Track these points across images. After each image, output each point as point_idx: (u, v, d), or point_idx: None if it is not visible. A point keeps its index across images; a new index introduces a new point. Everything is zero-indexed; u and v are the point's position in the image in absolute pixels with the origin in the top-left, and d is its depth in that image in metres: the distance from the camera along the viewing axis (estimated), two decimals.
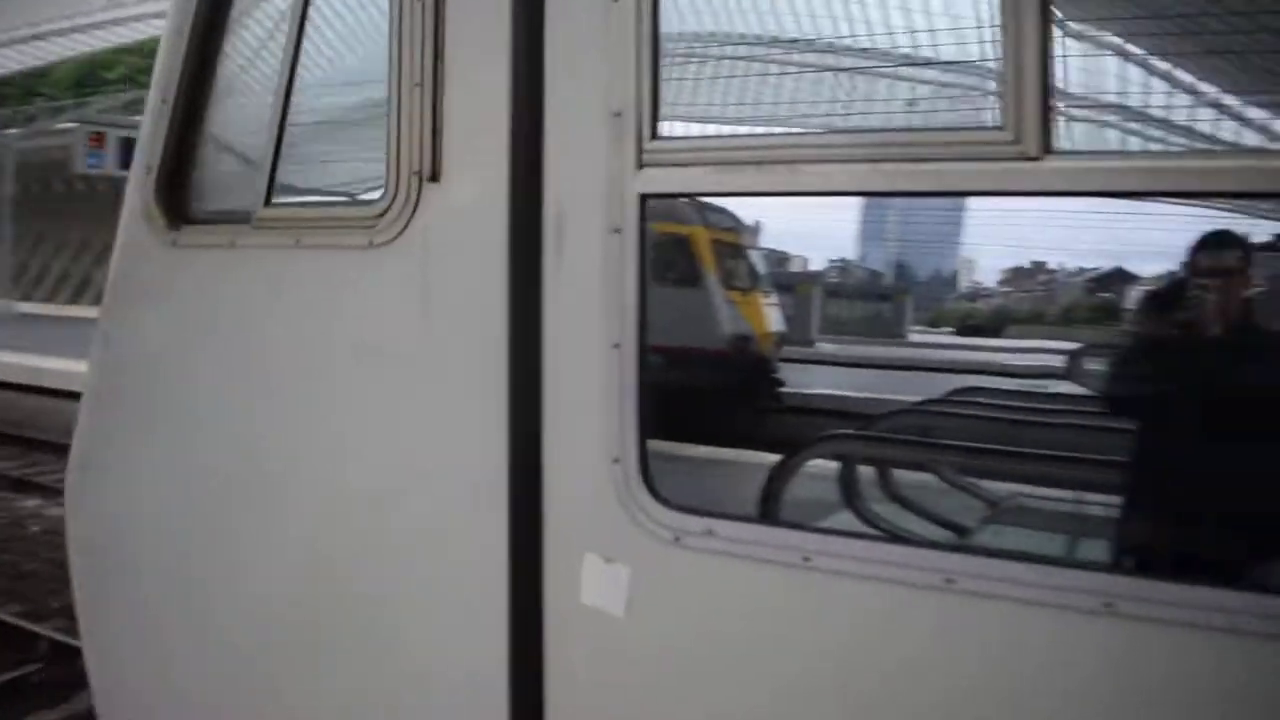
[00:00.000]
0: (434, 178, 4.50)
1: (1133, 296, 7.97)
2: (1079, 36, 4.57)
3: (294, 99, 4.71)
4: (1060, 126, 3.68)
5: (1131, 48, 4.65)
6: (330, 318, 4.68)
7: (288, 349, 4.79)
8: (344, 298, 4.64)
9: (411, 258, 4.53)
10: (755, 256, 14.63)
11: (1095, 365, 6.73)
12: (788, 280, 14.77)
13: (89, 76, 63.18)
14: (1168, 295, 4.93)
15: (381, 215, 4.57)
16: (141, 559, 5.12)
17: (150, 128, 5.20)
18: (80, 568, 5.64)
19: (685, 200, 10.96)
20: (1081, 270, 12.89)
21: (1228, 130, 4.67)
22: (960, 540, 5.94)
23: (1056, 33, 3.72)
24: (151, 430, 5.31)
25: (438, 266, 4.45)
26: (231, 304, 5.01)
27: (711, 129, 4.27)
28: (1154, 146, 4.65)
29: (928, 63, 4.68)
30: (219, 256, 5.02)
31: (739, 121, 4.82)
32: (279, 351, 4.82)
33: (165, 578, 5.03)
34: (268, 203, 4.84)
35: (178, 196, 5.17)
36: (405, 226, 4.54)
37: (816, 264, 15.55)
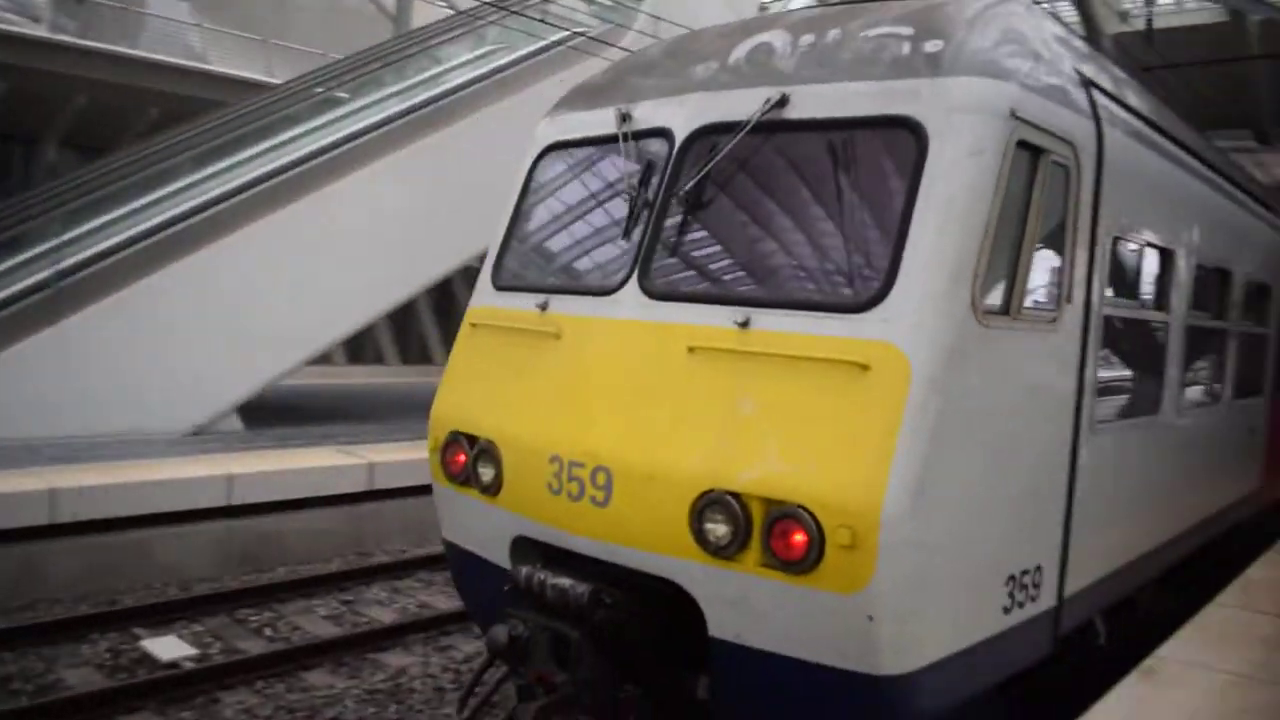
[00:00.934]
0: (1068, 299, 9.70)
1: None
2: None
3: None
4: None
5: None
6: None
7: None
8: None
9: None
10: None
11: None
12: None
13: None
14: None
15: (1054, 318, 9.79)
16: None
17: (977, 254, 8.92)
18: (918, 563, 8.41)
19: None
20: None
21: None
22: None
23: None
24: (985, 466, 8.93)
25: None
26: (1028, 368, 9.57)
27: None
28: None
29: None
30: (1019, 336, 9.31)
31: None
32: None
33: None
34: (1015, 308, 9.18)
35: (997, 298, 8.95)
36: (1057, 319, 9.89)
37: None
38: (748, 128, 9.66)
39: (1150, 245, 12.21)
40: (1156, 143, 12.42)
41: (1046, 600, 10.06)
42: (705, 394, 9.15)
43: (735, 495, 8.75)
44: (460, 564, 11.40)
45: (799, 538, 8.50)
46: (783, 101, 9.61)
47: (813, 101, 9.49)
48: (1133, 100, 12.06)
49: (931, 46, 9.27)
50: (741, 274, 9.61)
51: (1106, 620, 11.84)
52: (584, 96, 11.55)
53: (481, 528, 10.80)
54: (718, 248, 9.90)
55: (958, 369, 8.67)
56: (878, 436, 8.37)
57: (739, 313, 9.23)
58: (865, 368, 8.55)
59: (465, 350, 11.40)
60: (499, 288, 11.35)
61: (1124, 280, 11.66)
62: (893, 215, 8.92)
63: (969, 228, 8.85)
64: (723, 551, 8.81)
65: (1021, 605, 9.67)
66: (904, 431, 8.37)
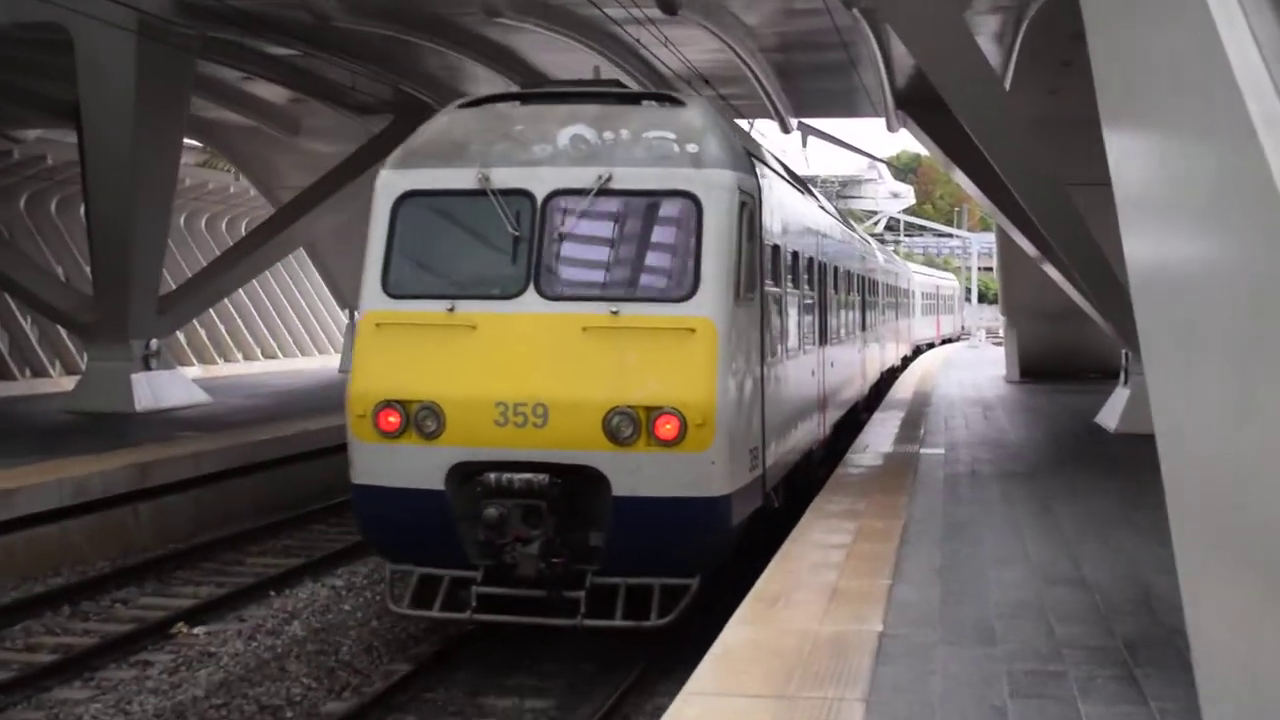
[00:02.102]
0: None
1: None
2: None
3: None
4: None
5: None
6: None
7: None
8: None
9: None
10: None
11: None
12: None
13: None
14: None
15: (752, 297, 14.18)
16: None
17: None
18: (730, 434, 14.74)
19: None
20: None
21: None
22: None
23: None
24: (741, 380, 14.77)
25: None
26: (749, 326, 15.38)
27: None
28: None
29: None
30: (745, 308, 14.74)
31: None
32: None
33: None
34: None
35: None
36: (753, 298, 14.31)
37: None
38: (594, 192, 16.02)
39: (783, 248, 19.79)
40: (782, 181, 20.60)
41: (759, 469, 17.04)
42: (598, 354, 15.44)
43: (630, 408, 15.22)
44: (373, 500, 16.25)
45: (670, 426, 15.23)
46: (610, 177, 15.97)
47: (629, 177, 16.02)
48: (766, 157, 20.08)
49: (691, 148, 16.14)
50: (604, 283, 15.93)
51: (778, 491, 18.75)
52: (429, 158, 16.80)
53: (416, 465, 15.78)
54: (584, 267, 16.11)
55: (732, 328, 15.76)
56: (706, 366, 15.41)
57: (611, 305, 15.59)
58: (693, 330, 15.44)
59: (373, 342, 16.29)
60: (392, 296, 16.35)
61: (775, 271, 19.01)
62: (691, 247, 15.81)
63: (728, 252, 15.91)
64: (625, 441, 15.23)
65: (753, 469, 16.69)
66: (719, 362, 15.45)
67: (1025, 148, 23.52)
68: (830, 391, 25.43)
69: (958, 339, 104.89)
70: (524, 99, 17.74)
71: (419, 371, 15.96)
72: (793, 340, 20.59)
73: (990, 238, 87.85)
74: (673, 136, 16.37)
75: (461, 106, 17.81)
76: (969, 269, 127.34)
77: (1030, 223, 26.91)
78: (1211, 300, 6.34)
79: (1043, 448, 26.52)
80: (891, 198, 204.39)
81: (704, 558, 15.73)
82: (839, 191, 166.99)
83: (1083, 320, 35.29)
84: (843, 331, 28.80)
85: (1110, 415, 30.84)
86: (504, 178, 16.35)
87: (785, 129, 43.05)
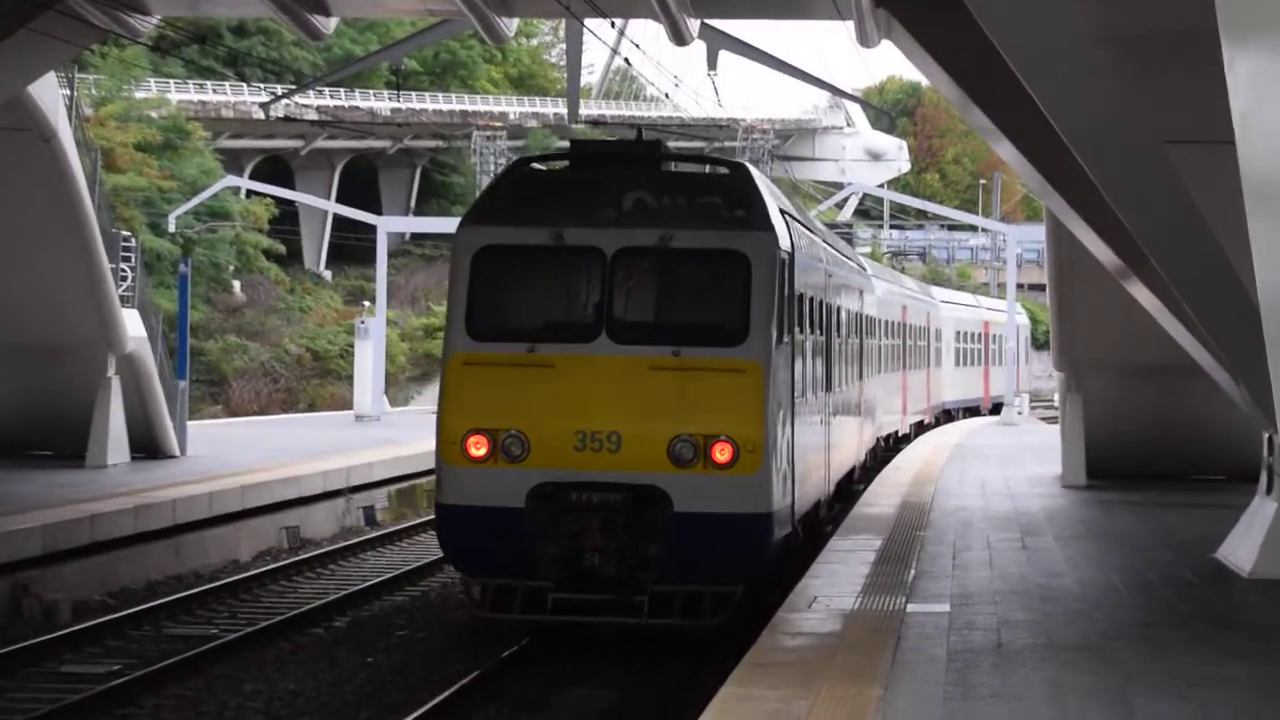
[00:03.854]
0: None
1: None
2: None
3: None
4: None
5: None
6: None
7: None
8: None
9: None
10: None
11: None
12: None
13: None
14: None
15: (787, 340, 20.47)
16: None
17: None
18: (773, 460, 19.56)
19: None
20: None
21: None
22: None
23: None
24: (780, 415, 20.15)
25: None
26: (784, 366, 20.83)
27: None
28: None
29: None
30: (783, 350, 20.44)
31: None
32: None
33: None
34: None
35: None
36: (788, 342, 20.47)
37: None
38: (657, 252, 19.46)
39: (814, 298, 23.88)
40: (808, 232, 24.68)
41: (789, 498, 20.75)
42: (663, 390, 19.14)
43: (691, 436, 18.91)
44: (458, 518, 19.65)
45: (725, 452, 18.87)
46: (669, 237, 19.36)
47: (685, 238, 19.45)
48: (794, 212, 24.38)
49: (740, 213, 19.76)
50: (667, 330, 19.67)
51: (799, 527, 22.48)
52: (504, 215, 20.13)
53: (501, 486, 19.25)
54: (650, 315, 20.14)
55: (775, 369, 19.50)
56: (755, 401, 19.14)
57: (673, 349, 19.16)
58: (743, 370, 19.20)
59: (461, 378, 19.85)
60: (476, 339, 19.71)
61: (807, 317, 23.12)
62: (742, 299, 19.42)
63: (771, 303, 19.54)
64: (686, 465, 18.90)
65: (784, 496, 20.33)
66: (765, 398, 19.19)
67: (1094, 78, 17.20)
68: (834, 442, 28.29)
69: (990, 409, 73.53)
70: (584, 161, 21.94)
71: (505, 404, 19.52)
72: (810, 382, 24.14)
73: (1040, 233, 50.61)
74: (721, 201, 20.20)
75: (526, 165, 22.25)
76: (1002, 286, 77.60)
77: (1103, 208, 18.92)
78: None
79: (1122, 604, 19.37)
80: (869, 161, 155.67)
81: (749, 567, 19.65)
82: (775, 149, 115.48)
83: (1196, 381, 25.98)
84: (844, 380, 30.72)
85: (1241, 547, 21.97)
86: (576, 237, 19.77)
87: (680, 38, 29.93)
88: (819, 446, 25.22)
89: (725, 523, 18.99)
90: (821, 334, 25.66)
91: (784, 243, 20.34)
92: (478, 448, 19.32)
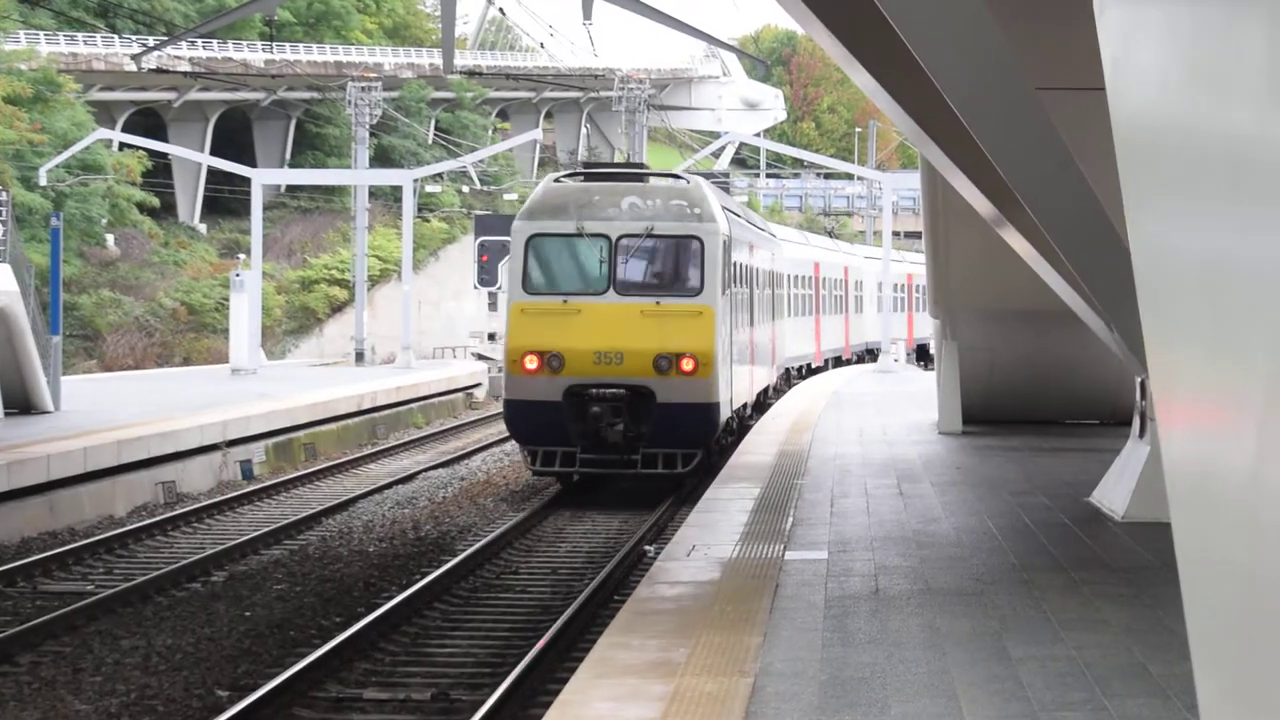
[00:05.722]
0: None
1: None
2: None
3: None
4: None
5: None
6: None
7: None
8: None
9: None
10: None
11: None
12: None
13: None
14: None
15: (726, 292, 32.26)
16: None
17: None
18: (721, 369, 31.65)
19: None
20: None
21: None
22: None
23: None
24: (726, 342, 32.32)
25: None
26: (727, 311, 32.93)
27: None
28: None
29: None
30: (727, 299, 32.47)
31: None
32: None
33: None
34: None
35: None
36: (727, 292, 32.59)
37: None
38: (644, 237, 30.14)
39: (741, 263, 35.06)
40: (738, 218, 37.55)
41: (730, 394, 32.08)
42: (649, 325, 29.57)
43: (668, 354, 29.40)
44: (518, 410, 30.01)
45: (689, 363, 29.45)
46: (653, 228, 30.04)
47: (662, 228, 30.18)
48: (730, 204, 38.41)
49: (697, 210, 30.62)
50: (652, 286, 30.47)
51: (737, 414, 34.28)
52: (545, 213, 30.41)
53: (547, 388, 29.17)
54: (640, 277, 30.52)
55: (720, 311, 30.59)
56: (708, 332, 29.99)
57: (655, 298, 29.94)
58: (700, 313, 30.00)
59: (519, 319, 29.95)
60: (529, 293, 29.95)
61: (738, 278, 34.31)
62: (699, 266, 30.30)
63: (717, 270, 30.46)
64: (664, 372, 29.27)
65: (727, 393, 31.36)
66: (716, 330, 30.22)
67: (967, 25, 15.89)
68: (757, 363, 40.31)
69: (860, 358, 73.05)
70: (593, 177, 32.74)
71: (548, 335, 29.70)
72: (741, 321, 35.04)
73: (916, 181, 51.89)
74: (686, 203, 30.86)
75: (556, 180, 32.80)
76: (879, 234, 76.09)
77: (978, 155, 18.17)
78: (1270, 275, 4.24)
79: (998, 549, 18.94)
80: (745, 110, 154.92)
81: (705, 437, 30.19)
82: (651, 99, 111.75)
83: (1070, 327, 25.61)
84: (762, 320, 42.14)
85: (1115, 491, 21.69)
86: (592, 227, 30.19)
87: None
88: (747, 365, 36.60)
89: (689, 408, 29.54)
90: (747, 288, 37.01)
91: (724, 230, 31.09)
92: (531, 363, 29.58)
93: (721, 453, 30.74)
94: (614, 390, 29.33)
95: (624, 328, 29.47)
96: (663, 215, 30.28)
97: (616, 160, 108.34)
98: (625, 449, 29.47)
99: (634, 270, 30.47)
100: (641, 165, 40.64)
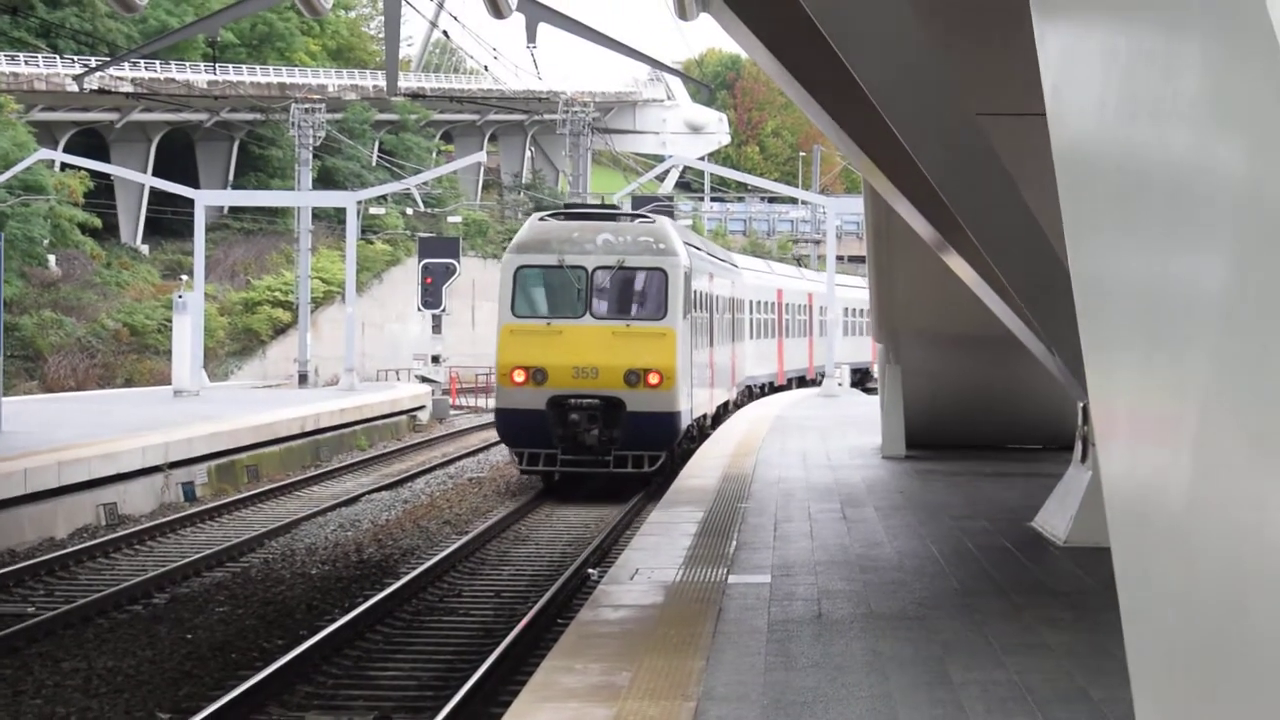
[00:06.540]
0: None
1: None
2: None
3: None
4: None
5: None
6: None
7: None
8: None
9: None
10: None
11: None
12: None
13: None
14: None
15: (687, 317, 38.52)
16: None
17: None
18: (682, 383, 37.15)
19: None
20: None
21: None
22: None
23: None
24: (687, 362, 37.73)
25: None
26: (687, 335, 38.70)
27: None
28: None
29: None
30: (687, 324, 38.53)
31: None
32: None
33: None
34: None
35: None
36: (687, 317, 38.46)
37: None
38: (616, 268, 35.15)
39: (702, 290, 41.21)
40: (700, 251, 43.93)
41: (690, 405, 37.41)
42: (620, 344, 34.53)
43: (637, 369, 34.35)
44: (507, 418, 34.84)
45: (655, 378, 34.42)
46: (624, 261, 35.14)
47: (632, 261, 35.34)
48: (695, 242, 45.15)
49: (662, 245, 35.96)
50: (623, 311, 35.52)
51: (697, 424, 40.07)
52: (531, 248, 35.57)
53: (532, 399, 33.99)
54: (613, 303, 35.52)
55: (682, 333, 35.74)
56: (671, 350, 35.02)
57: (625, 322, 35.07)
58: (664, 334, 35.05)
59: (509, 338, 34.71)
60: (517, 316, 34.82)
61: (698, 304, 40.13)
62: (664, 294, 35.45)
63: (680, 297, 35.70)
64: (634, 385, 34.19)
65: (688, 404, 36.86)
66: (678, 349, 35.21)
67: (910, 51, 15.82)
68: (717, 379, 45.41)
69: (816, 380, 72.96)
70: (573, 216, 37.76)
71: (533, 352, 34.17)
72: (701, 342, 40.49)
73: (859, 205, 48.48)
74: (653, 240, 35.74)
75: (540, 219, 37.62)
76: (823, 258, 73.48)
77: (921, 179, 18.23)
78: (1205, 300, 4.37)
79: (941, 574, 18.57)
80: (689, 134, 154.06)
81: (668, 441, 34.78)
82: (595, 122, 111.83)
83: (1012, 351, 25.59)
84: (721, 341, 47.20)
85: (1057, 515, 21.84)
86: (571, 259, 34.79)
87: (497, 11, 29.05)
88: (707, 380, 42.18)
89: (655, 416, 34.19)
90: (707, 313, 42.77)
91: (685, 262, 36.04)
92: (518, 376, 34.16)
93: (684, 456, 34.78)
94: (590, 400, 34.03)
95: (599, 346, 34.19)
96: (632, 250, 35.16)
97: (560, 184, 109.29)
98: (600, 451, 34.18)
99: (608, 297, 35.20)
100: (614, 207, 48.02)
